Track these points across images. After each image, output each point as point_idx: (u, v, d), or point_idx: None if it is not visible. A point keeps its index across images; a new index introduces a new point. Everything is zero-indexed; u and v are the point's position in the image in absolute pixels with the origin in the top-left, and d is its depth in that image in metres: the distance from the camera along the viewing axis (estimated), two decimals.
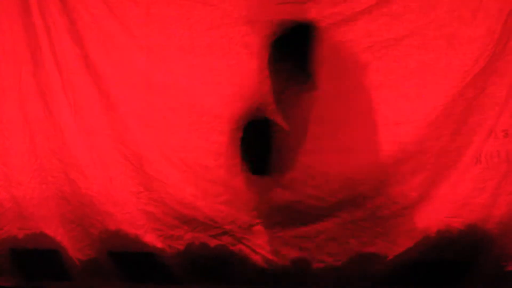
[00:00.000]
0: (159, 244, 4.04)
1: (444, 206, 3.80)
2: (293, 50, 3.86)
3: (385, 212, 3.85)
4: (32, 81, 4.14)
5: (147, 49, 4.02)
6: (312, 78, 3.83)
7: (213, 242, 4.02)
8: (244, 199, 3.96)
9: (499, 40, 3.70)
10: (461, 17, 3.74)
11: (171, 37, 3.99)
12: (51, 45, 4.08)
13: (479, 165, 3.76)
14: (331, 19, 3.81)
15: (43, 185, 4.15)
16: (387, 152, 3.82)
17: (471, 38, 3.73)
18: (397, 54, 3.79)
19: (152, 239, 4.05)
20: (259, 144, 3.90)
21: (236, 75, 3.93)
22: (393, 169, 3.82)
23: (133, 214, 4.06)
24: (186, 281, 4.05)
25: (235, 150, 3.95)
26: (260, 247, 3.97)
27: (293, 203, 3.91)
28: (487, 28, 3.71)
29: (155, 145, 4.03)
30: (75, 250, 4.12)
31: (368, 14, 3.78)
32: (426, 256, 3.81)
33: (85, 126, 4.10)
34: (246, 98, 3.91)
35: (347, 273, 3.89)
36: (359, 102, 3.83)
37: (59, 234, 4.13)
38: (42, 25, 4.09)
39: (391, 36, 3.79)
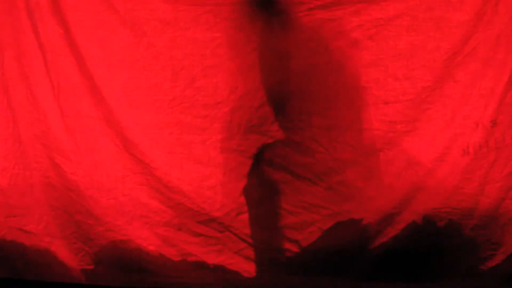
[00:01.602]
0: (145, 232, 3.99)
1: (432, 196, 3.78)
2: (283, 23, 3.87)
3: (372, 204, 3.83)
4: (15, 65, 4.09)
5: (130, 23, 3.98)
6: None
7: (200, 229, 3.97)
8: (230, 183, 3.93)
9: (487, 25, 3.71)
10: (450, 0, 3.74)
11: (154, 11, 3.96)
12: (34, 27, 4.04)
13: (467, 157, 3.75)
14: None
15: (27, 172, 4.09)
16: (377, 132, 3.81)
17: (460, 22, 3.73)
18: (387, 34, 3.78)
19: (138, 226, 4.00)
20: None
21: (221, 47, 3.90)
22: (383, 153, 3.81)
23: (118, 200, 4.01)
24: (173, 269, 3.99)
25: (219, 125, 3.92)
26: (247, 235, 3.93)
27: (281, 185, 3.89)
28: (476, 12, 3.72)
29: (138, 124, 3.99)
30: (61, 238, 4.06)
31: None
32: (411, 245, 3.79)
33: (69, 110, 4.05)
34: (230, 70, 3.89)
35: (333, 262, 3.86)
36: (348, 80, 3.82)
37: (44, 221, 4.07)
38: (25, 8, 4.05)
39: (381, 15, 3.78)
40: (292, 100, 3.86)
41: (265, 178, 3.91)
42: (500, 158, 3.72)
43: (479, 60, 3.72)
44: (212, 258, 3.97)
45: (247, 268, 3.94)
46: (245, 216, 3.93)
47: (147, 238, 3.99)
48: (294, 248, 3.89)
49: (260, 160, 3.92)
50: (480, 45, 3.71)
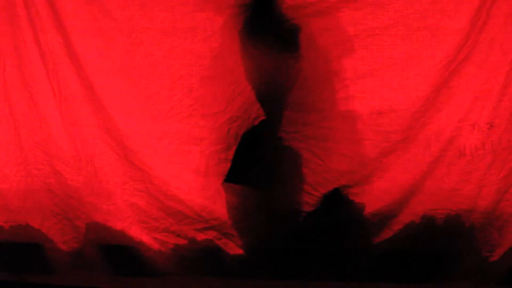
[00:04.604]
0: (144, 237, 4.04)
1: (429, 198, 3.81)
2: (278, 33, 3.90)
3: (369, 209, 3.87)
4: (16, 73, 4.13)
5: (127, 32, 4.02)
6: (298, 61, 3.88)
7: (198, 236, 4.01)
8: (228, 193, 3.98)
9: (481, 30, 3.73)
10: (444, 9, 3.78)
11: (153, 20, 4.00)
12: (35, 36, 4.08)
13: (464, 158, 3.78)
14: (317, 6, 3.83)
15: (28, 178, 4.13)
16: (371, 142, 3.84)
17: (455, 29, 3.76)
18: (382, 43, 3.81)
19: (137, 232, 4.04)
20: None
21: (219, 57, 3.94)
22: (377, 162, 3.86)
23: (118, 206, 4.05)
24: (171, 274, 4.03)
25: (217, 135, 3.96)
26: (244, 242, 3.97)
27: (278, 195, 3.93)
28: (471, 19, 3.74)
29: (138, 133, 4.04)
30: (61, 242, 4.10)
31: (354, 3, 3.80)
32: (409, 247, 3.83)
33: (69, 118, 4.09)
34: (228, 81, 3.93)
35: (330, 265, 3.90)
36: (343, 90, 3.85)
37: (44, 227, 4.11)
38: (25, 16, 4.08)
39: (377, 25, 3.81)
40: (288, 111, 3.90)
41: (261, 188, 3.95)
42: (497, 160, 3.75)
43: (473, 64, 3.75)
44: (210, 264, 4.01)
45: (245, 273, 3.97)
46: (242, 224, 3.97)
47: (146, 243, 4.03)
48: (292, 252, 3.91)
49: (257, 171, 3.96)
50: (474, 50, 3.74)
